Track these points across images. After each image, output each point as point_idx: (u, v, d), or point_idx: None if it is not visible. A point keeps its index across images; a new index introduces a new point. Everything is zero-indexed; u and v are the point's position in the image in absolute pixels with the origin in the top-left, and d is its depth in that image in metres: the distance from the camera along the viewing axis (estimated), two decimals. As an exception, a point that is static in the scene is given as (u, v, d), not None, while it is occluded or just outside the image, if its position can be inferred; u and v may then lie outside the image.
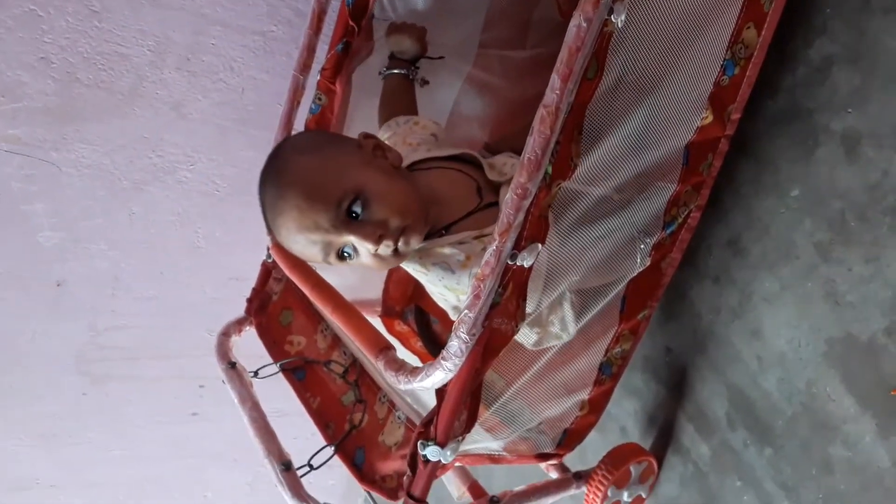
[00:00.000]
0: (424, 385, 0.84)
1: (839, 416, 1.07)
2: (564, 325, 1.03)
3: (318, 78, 1.30)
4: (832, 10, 1.06)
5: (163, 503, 2.36)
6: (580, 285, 1.01)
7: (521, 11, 1.42)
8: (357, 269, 1.43)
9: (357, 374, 1.17)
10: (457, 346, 0.81)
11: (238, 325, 1.40)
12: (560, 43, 0.73)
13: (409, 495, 0.93)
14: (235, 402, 1.21)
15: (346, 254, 0.99)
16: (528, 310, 0.90)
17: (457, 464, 1.04)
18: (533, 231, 0.82)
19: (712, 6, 0.93)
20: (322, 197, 0.95)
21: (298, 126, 1.32)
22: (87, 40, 1.42)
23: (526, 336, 1.01)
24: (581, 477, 1.26)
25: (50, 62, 1.42)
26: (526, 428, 1.10)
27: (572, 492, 1.26)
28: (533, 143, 0.75)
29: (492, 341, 0.85)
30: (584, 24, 0.71)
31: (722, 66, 0.99)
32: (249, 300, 1.42)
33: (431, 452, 0.88)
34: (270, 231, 1.20)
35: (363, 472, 1.04)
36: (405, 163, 1.13)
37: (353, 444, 1.08)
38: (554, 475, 1.29)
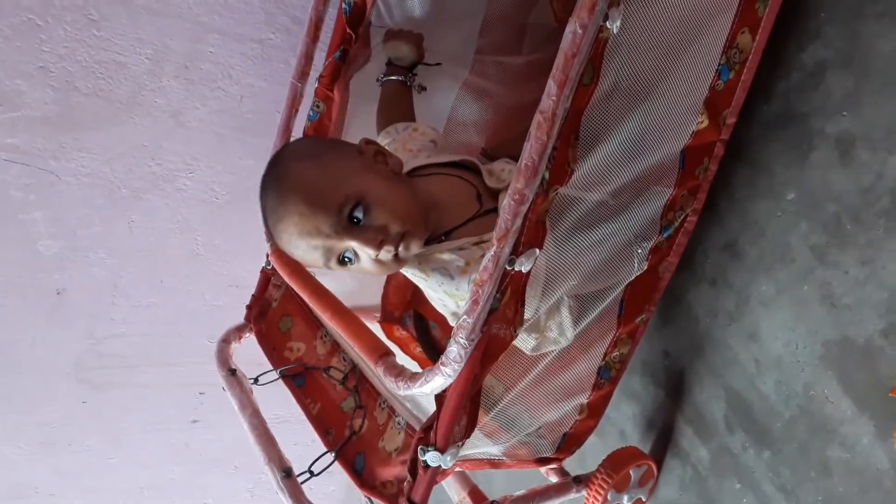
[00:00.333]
0: (424, 390, 0.85)
1: (837, 418, 1.07)
2: (562, 331, 1.03)
3: (316, 85, 1.30)
4: (826, 15, 1.06)
5: (163, 511, 2.36)
6: (578, 290, 1.02)
7: (517, 17, 1.42)
8: (356, 276, 1.44)
9: (357, 380, 1.17)
10: (456, 352, 0.82)
11: (238, 331, 1.40)
12: (556, 49, 0.73)
13: (410, 501, 0.93)
14: (236, 409, 1.21)
15: (346, 259, 1.00)
16: (527, 315, 0.91)
17: (457, 469, 1.04)
18: (531, 236, 0.82)
19: (707, 12, 0.94)
20: (324, 202, 0.95)
21: (297, 133, 1.33)
22: (85, 49, 1.43)
23: (524, 341, 1.02)
24: (581, 481, 1.26)
25: (48, 71, 1.42)
26: (525, 432, 1.10)
27: (572, 496, 1.26)
28: (530, 149, 0.75)
29: (490, 347, 0.85)
30: (580, 31, 0.72)
31: (717, 70, 1.00)
32: (249, 307, 1.42)
33: (431, 458, 0.89)
34: (270, 238, 1.21)
35: (363, 478, 1.04)
36: (405, 169, 1.14)
37: (353, 450, 1.08)
38: (554, 479, 1.29)
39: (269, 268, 1.39)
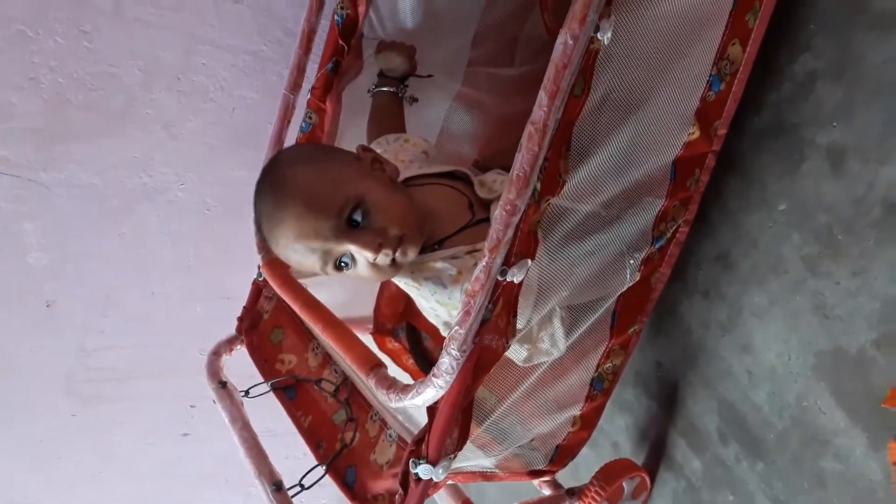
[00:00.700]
0: (416, 402, 0.84)
1: (830, 429, 1.07)
2: (554, 342, 1.03)
3: (309, 97, 1.30)
4: (816, 26, 1.07)
5: (154, 525, 2.34)
6: (570, 301, 1.02)
7: (508, 30, 1.43)
8: (348, 287, 1.43)
9: (348, 393, 1.17)
10: (447, 363, 0.81)
11: (229, 344, 1.39)
12: (547, 60, 0.73)
13: (402, 514, 0.93)
14: (226, 422, 1.21)
15: (343, 264, 0.99)
16: (519, 325, 0.90)
17: (449, 482, 1.03)
18: (522, 247, 0.82)
19: (698, 23, 0.94)
20: (323, 205, 0.95)
21: (289, 145, 1.32)
22: (76, 61, 1.43)
23: (516, 353, 1.01)
24: (574, 493, 1.26)
25: (39, 83, 1.42)
26: (518, 444, 1.10)
27: (565, 508, 1.25)
28: (521, 160, 0.75)
29: (482, 358, 0.85)
30: (571, 42, 0.72)
31: (708, 81, 1.00)
32: (240, 319, 1.41)
33: (423, 471, 0.88)
34: (262, 249, 1.21)
35: (354, 491, 1.03)
36: (399, 179, 1.14)
37: (344, 463, 1.07)
38: (547, 492, 1.28)
39: (260, 279, 1.38)
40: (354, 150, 1.09)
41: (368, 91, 1.40)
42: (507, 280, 0.81)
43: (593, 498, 1.24)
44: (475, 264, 0.80)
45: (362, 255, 0.97)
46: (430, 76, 1.43)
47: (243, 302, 1.42)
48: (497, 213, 0.77)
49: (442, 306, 1.04)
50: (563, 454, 1.20)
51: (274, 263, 1.20)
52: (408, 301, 1.48)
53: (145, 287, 1.79)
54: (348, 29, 1.25)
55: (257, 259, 1.25)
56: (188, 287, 1.83)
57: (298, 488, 1.05)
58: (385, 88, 1.38)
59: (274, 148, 1.30)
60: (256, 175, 1.06)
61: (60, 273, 1.67)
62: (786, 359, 1.12)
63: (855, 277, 1.03)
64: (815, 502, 1.10)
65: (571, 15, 0.72)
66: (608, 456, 1.37)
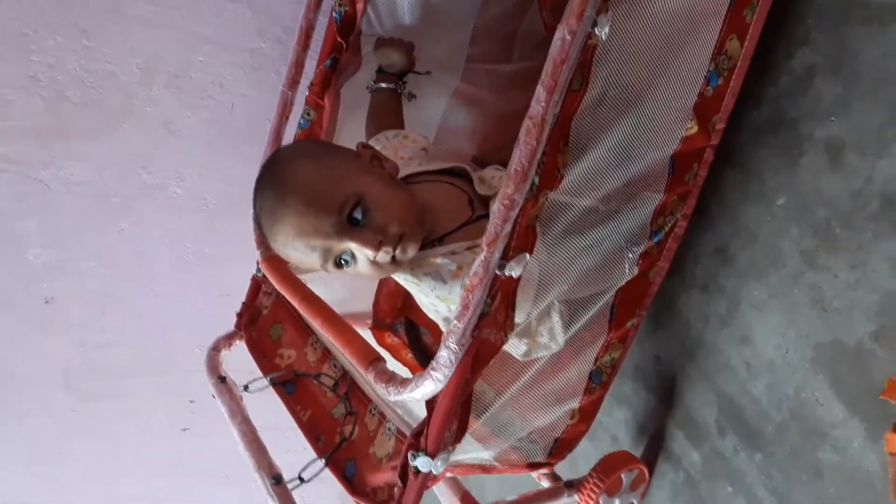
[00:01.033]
0: (414, 396, 0.84)
1: (828, 421, 1.07)
2: (553, 336, 1.03)
3: (307, 94, 1.30)
4: (813, 21, 1.07)
5: (154, 521, 2.35)
6: (569, 295, 1.02)
7: (507, 26, 1.43)
8: (347, 283, 1.44)
9: (347, 387, 1.17)
10: (446, 357, 0.82)
11: (228, 339, 1.40)
12: (545, 56, 0.74)
13: (401, 507, 0.93)
14: (225, 417, 1.21)
15: (343, 261, 0.99)
16: (518, 320, 0.91)
17: (448, 474, 1.04)
18: (521, 241, 0.82)
19: (695, 18, 0.94)
20: (324, 202, 0.95)
21: (287, 142, 1.33)
22: (75, 58, 1.43)
23: (515, 347, 1.02)
24: (573, 485, 1.26)
25: (38, 80, 1.42)
26: (516, 437, 1.10)
27: (564, 500, 1.26)
28: (519, 155, 0.75)
29: (481, 351, 0.85)
30: (569, 37, 0.72)
31: (706, 76, 1.00)
32: (239, 315, 1.42)
33: (422, 463, 0.88)
34: (261, 245, 1.21)
35: (354, 484, 1.04)
36: (398, 176, 1.14)
37: (343, 457, 1.08)
38: (545, 484, 1.29)
39: (259, 275, 1.39)
40: (354, 148, 1.10)
41: (367, 87, 1.40)
42: (506, 274, 0.81)
43: (592, 490, 1.24)
44: (475, 259, 0.80)
45: (362, 253, 0.97)
46: (428, 73, 1.43)
47: (242, 298, 1.43)
48: (495, 207, 0.78)
49: (442, 301, 1.05)
50: (561, 447, 1.20)
51: (273, 259, 1.20)
52: (406, 296, 1.49)
53: (145, 283, 1.80)
54: (347, 26, 1.26)
55: (256, 255, 1.25)
56: (187, 283, 1.84)
57: (298, 481, 1.05)
58: (383, 85, 1.38)
59: (273, 144, 1.31)
60: (255, 172, 1.06)
61: (60, 270, 1.67)
62: (784, 351, 1.13)
63: (853, 270, 1.03)
64: (813, 494, 1.10)
65: (569, 10, 0.72)
66: (607, 448, 1.37)
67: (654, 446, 1.36)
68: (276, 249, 1.02)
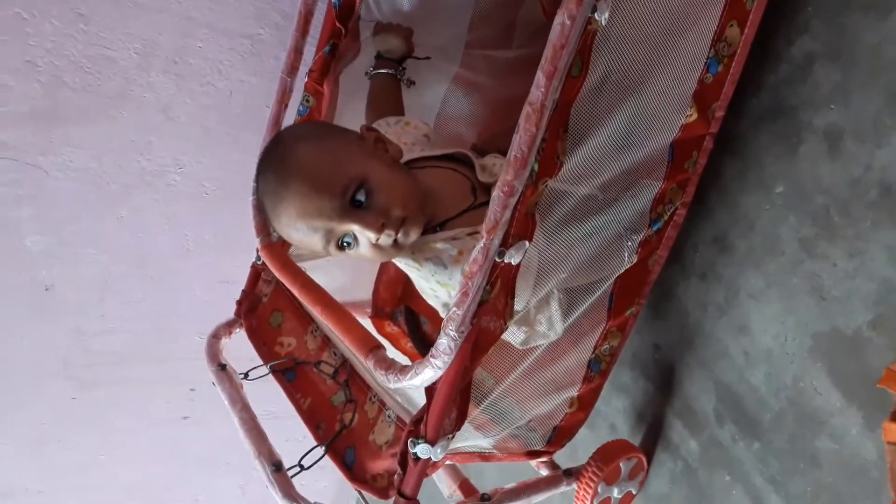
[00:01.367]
0: (414, 383, 0.85)
1: (826, 409, 1.08)
2: (552, 324, 1.03)
3: (306, 80, 1.30)
4: (813, 8, 1.07)
5: (154, 508, 2.36)
6: (568, 283, 1.02)
7: (505, 12, 1.42)
8: (347, 271, 1.44)
9: (347, 374, 1.17)
10: (446, 344, 0.82)
11: (228, 327, 1.40)
12: (545, 42, 0.73)
13: (400, 494, 0.93)
14: (226, 404, 1.21)
15: (345, 243, 0.99)
16: (517, 307, 0.91)
17: (447, 462, 1.04)
18: (520, 229, 0.82)
19: (695, 4, 0.94)
20: (327, 184, 0.95)
21: (287, 127, 1.32)
22: (73, 43, 1.42)
23: (514, 335, 1.02)
24: (571, 474, 1.27)
25: (36, 66, 1.42)
26: (515, 425, 1.11)
27: (563, 489, 1.26)
28: (519, 141, 0.75)
29: (480, 339, 0.85)
30: (568, 22, 0.72)
31: (705, 63, 1.00)
32: (239, 302, 1.42)
33: (422, 450, 0.89)
34: (262, 230, 1.21)
35: (354, 471, 1.04)
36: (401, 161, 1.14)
37: (343, 444, 1.08)
38: (544, 472, 1.29)
39: (259, 263, 1.38)
40: (359, 130, 1.10)
41: (366, 74, 1.39)
42: (505, 261, 0.81)
43: (590, 478, 1.25)
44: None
45: (365, 236, 0.97)
46: (427, 58, 1.42)
47: (242, 285, 1.43)
48: (495, 194, 0.78)
49: (442, 287, 1.05)
50: (560, 435, 1.20)
51: (272, 247, 1.20)
52: (406, 284, 1.49)
53: (143, 271, 1.79)
54: (345, 11, 1.25)
55: (256, 242, 1.25)
56: (187, 270, 1.84)
57: (298, 468, 1.05)
58: (383, 71, 1.37)
59: (272, 131, 1.30)
60: (254, 158, 1.06)
61: (59, 257, 1.67)
62: (782, 340, 1.13)
63: (851, 259, 1.03)
64: (810, 482, 1.11)
65: (569, -5, 0.72)
66: (605, 437, 1.38)
67: (653, 435, 1.37)
68: (279, 231, 1.02)
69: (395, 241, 0.98)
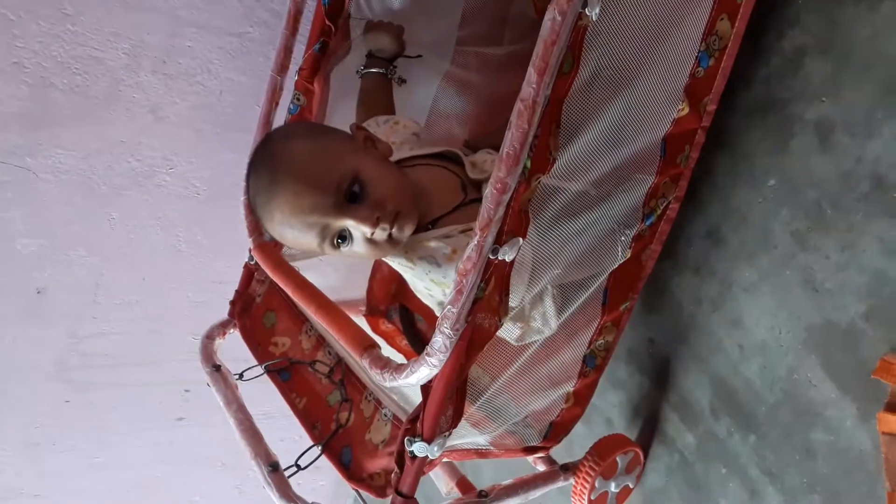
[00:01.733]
0: (409, 381, 0.84)
1: (820, 401, 1.08)
2: (546, 320, 1.03)
3: (296, 78, 1.29)
4: (804, 1, 1.07)
5: (150, 510, 2.35)
6: (562, 279, 1.02)
7: (496, 9, 1.42)
8: (340, 270, 1.43)
9: (342, 374, 1.17)
10: (441, 342, 0.82)
11: (222, 327, 1.39)
12: (536, 39, 0.73)
13: (398, 492, 0.93)
14: (221, 405, 1.21)
15: (340, 240, 0.99)
16: (512, 303, 0.91)
17: (444, 459, 1.04)
18: (513, 225, 0.82)
19: (686, -1, 0.94)
20: (321, 180, 0.95)
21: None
22: (60, 44, 1.41)
23: (508, 331, 1.02)
24: (568, 469, 1.27)
25: (23, 67, 1.40)
26: (512, 422, 1.11)
27: (560, 484, 1.26)
28: (511, 138, 0.75)
29: (475, 336, 0.85)
30: (559, 18, 0.71)
31: (697, 57, 1.00)
32: (232, 303, 1.41)
33: (418, 448, 0.89)
34: (254, 229, 1.20)
35: (351, 470, 1.04)
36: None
37: (339, 443, 1.08)
38: (541, 468, 1.29)
39: (252, 262, 1.38)
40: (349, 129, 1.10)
41: (357, 72, 1.39)
42: (499, 258, 0.81)
43: (587, 473, 1.25)
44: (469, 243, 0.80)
45: (359, 230, 0.97)
46: (418, 57, 1.42)
47: (235, 285, 1.42)
48: (488, 191, 0.77)
49: (437, 285, 1.04)
50: (556, 431, 1.21)
51: (265, 246, 1.20)
52: (400, 282, 1.48)
53: (136, 272, 1.78)
54: (335, 9, 1.25)
55: (248, 242, 1.25)
56: (179, 271, 1.83)
57: (295, 468, 1.05)
58: (374, 69, 1.37)
59: (262, 130, 1.30)
60: (245, 158, 1.06)
61: (50, 260, 1.66)
62: (776, 333, 1.13)
63: (844, 251, 1.03)
64: (806, 473, 1.11)
65: (560, -9, 0.71)
66: (602, 432, 1.38)
67: (649, 429, 1.37)
68: (272, 230, 1.01)
69: (390, 235, 0.98)
